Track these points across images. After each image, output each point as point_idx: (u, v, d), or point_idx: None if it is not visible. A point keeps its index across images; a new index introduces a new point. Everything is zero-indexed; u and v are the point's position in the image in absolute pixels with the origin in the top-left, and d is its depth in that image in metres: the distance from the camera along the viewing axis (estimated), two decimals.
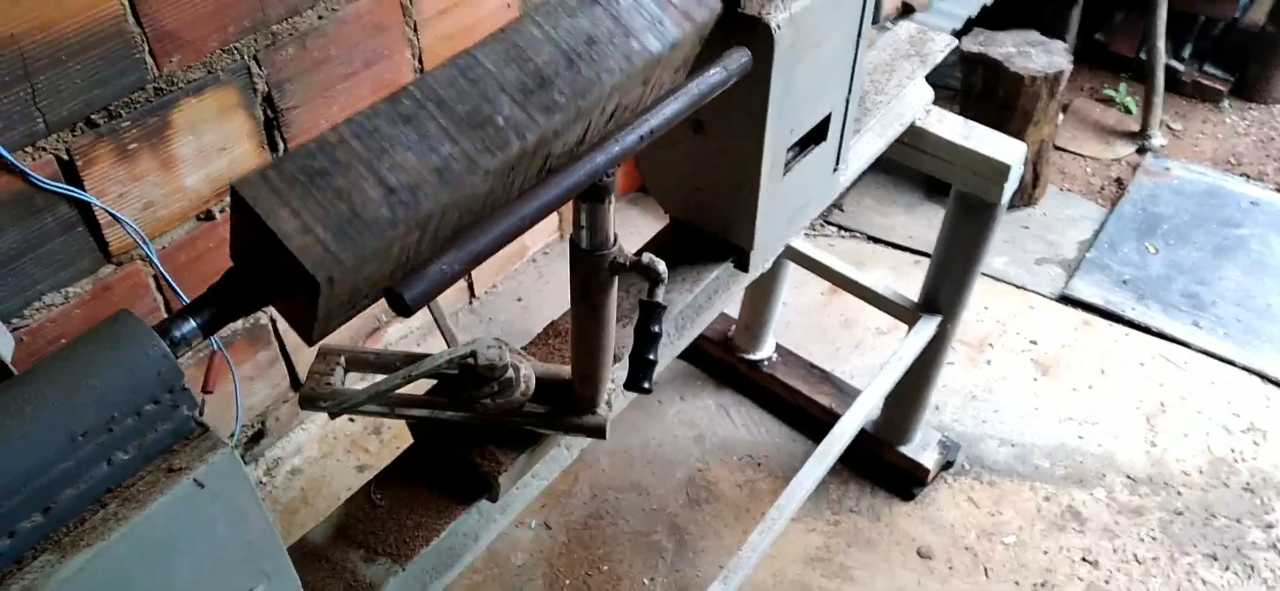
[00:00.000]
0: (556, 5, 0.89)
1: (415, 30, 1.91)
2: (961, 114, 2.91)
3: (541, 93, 0.83)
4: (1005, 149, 1.69)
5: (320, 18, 1.71)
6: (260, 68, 1.65)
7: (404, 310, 0.72)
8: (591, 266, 0.91)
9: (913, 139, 1.74)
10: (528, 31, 0.87)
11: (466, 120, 0.80)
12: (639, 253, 0.92)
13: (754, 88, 1.13)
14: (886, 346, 2.42)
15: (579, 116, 0.85)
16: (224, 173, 1.67)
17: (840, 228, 2.88)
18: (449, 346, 1.02)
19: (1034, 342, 2.52)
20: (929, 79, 1.71)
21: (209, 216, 1.69)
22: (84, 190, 1.47)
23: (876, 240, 2.84)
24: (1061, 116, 3.35)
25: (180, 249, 1.66)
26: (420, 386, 1.02)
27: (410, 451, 1.07)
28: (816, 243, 2.72)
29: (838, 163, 1.40)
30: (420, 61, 1.96)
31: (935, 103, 1.71)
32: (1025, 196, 3.02)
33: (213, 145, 1.63)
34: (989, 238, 1.79)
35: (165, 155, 1.56)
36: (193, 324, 0.69)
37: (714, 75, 0.95)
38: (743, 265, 1.30)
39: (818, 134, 1.32)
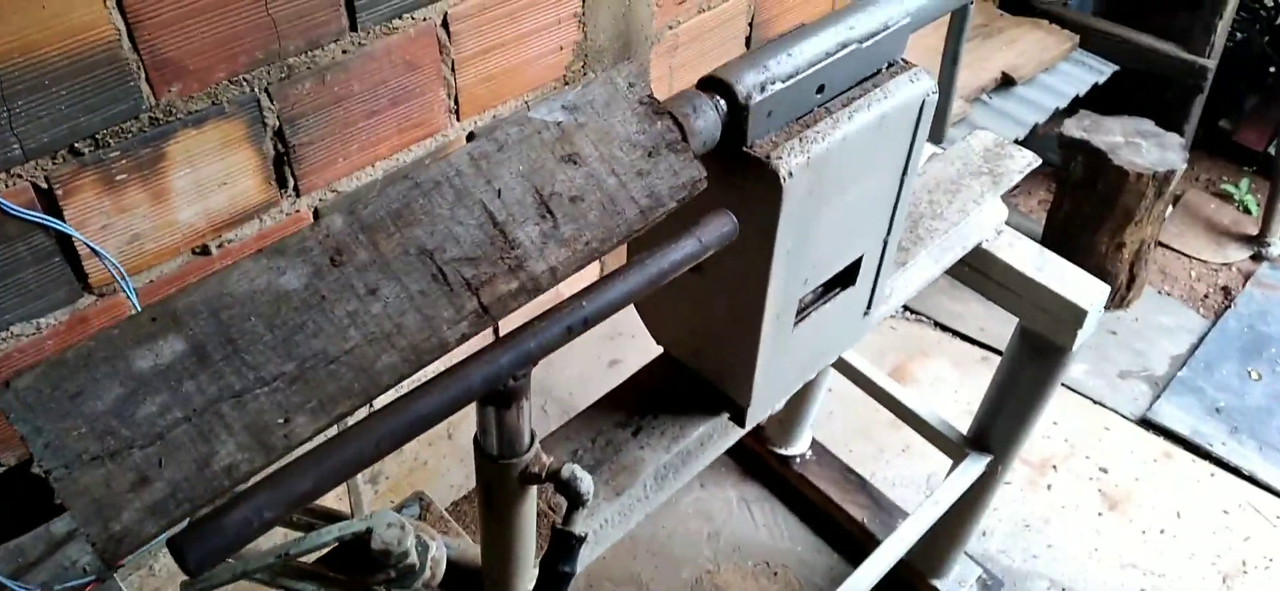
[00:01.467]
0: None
1: (453, 69, 1.76)
2: (1055, 203, 2.64)
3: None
4: (1084, 290, 1.45)
5: (345, 52, 1.57)
6: (272, 101, 1.52)
7: (187, 570, 0.55)
8: (497, 475, 0.73)
9: (978, 261, 1.51)
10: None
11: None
12: (560, 463, 0.74)
13: (758, 236, 0.93)
14: (938, 457, 2.18)
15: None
16: (224, 208, 1.55)
17: (906, 308, 2.63)
18: (351, 512, 0.85)
19: (1104, 471, 2.24)
20: (1026, 144, 1.46)
21: (205, 251, 1.56)
22: (62, 220, 1.35)
23: (944, 328, 2.58)
24: (1170, 209, 3.02)
25: (170, 283, 1.54)
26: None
27: None
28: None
29: (870, 306, 1.19)
30: (456, 103, 1.80)
31: (1027, 181, 1.45)
32: (1117, 297, 2.72)
33: (212, 179, 1.51)
34: (1055, 383, 1.55)
35: (157, 187, 1.44)
36: None
37: (682, 248, 0.76)
38: (738, 420, 1.10)
39: (845, 277, 1.11)
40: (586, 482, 0.72)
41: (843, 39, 0.94)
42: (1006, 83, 2.89)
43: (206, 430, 0.59)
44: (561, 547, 0.72)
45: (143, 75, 1.35)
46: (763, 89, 0.88)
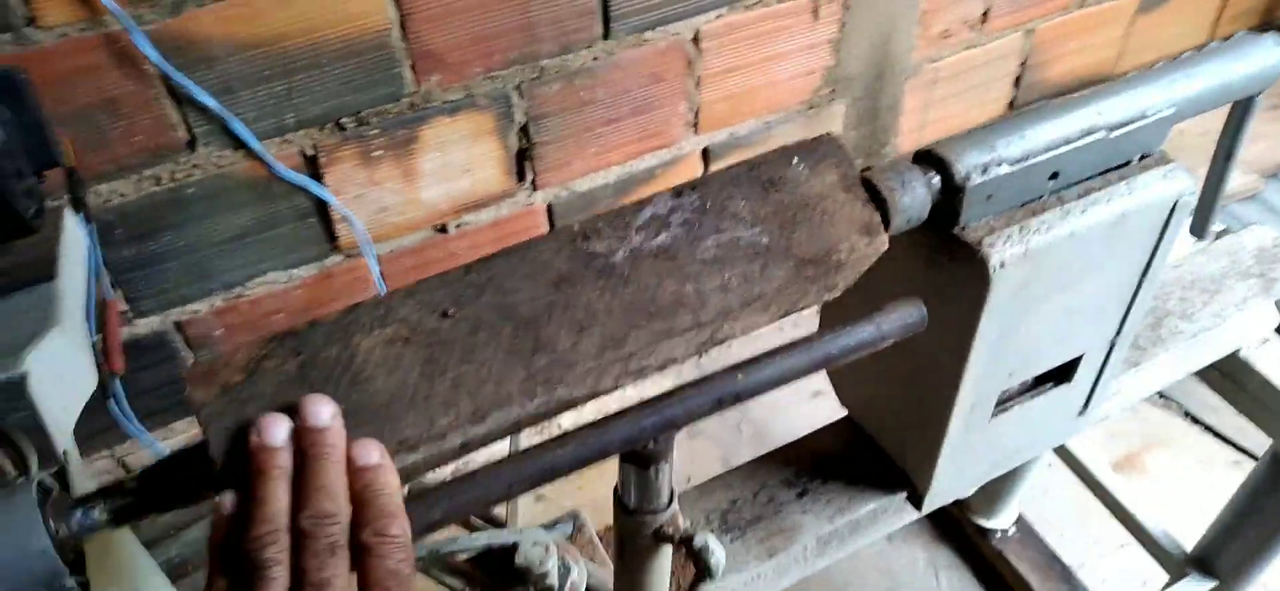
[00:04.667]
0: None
1: (697, 85, 1.74)
2: None
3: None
4: None
5: (595, 59, 1.59)
6: (521, 98, 1.57)
7: None
8: (631, 528, 0.70)
9: (1232, 368, 1.32)
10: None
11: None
12: (696, 529, 0.70)
13: (959, 322, 0.85)
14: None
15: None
16: (465, 192, 1.62)
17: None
18: (505, 522, 0.86)
19: None
20: None
21: (443, 230, 1.65)
22: (323, 185, 1.46)
23: (1194, 420, 2.28)
24: None
25: (408, 254, 1.63)
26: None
27: None
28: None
29: (1087, 407, 1.06)
30: (696, 118, 1.79)
31: None
32: None
33: (458, 165, 1.58)
34: None
35: (408, 166, 1.53)
36: (96, 514, 0.58)
37: (858, 333, 0.70)
38: (916, 502, 1.02)
39: (1059, 374, 0.99)
40: (718, 556, 0.68)
41: (1088, 125, 0.83)
42: None
43: None
44: None
45: (408, 63, 1.43)
46: (985, 170, 0.79)
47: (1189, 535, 1.58)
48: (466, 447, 0.65)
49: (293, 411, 0.55)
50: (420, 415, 0.61)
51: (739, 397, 0.65)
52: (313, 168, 1.45)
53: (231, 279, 1.50)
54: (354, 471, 0.54)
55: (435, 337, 0.64)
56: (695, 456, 2.13)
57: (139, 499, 0.59)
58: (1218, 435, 2.26)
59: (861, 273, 0.75)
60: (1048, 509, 2.01)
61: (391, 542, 0.51)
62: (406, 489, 0.61)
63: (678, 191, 0.71)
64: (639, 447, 0.62)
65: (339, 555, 0.50)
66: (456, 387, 0.62)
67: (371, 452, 0.54)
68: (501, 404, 0.62)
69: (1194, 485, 2.14)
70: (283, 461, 0.52)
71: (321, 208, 1.49)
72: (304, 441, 0.53)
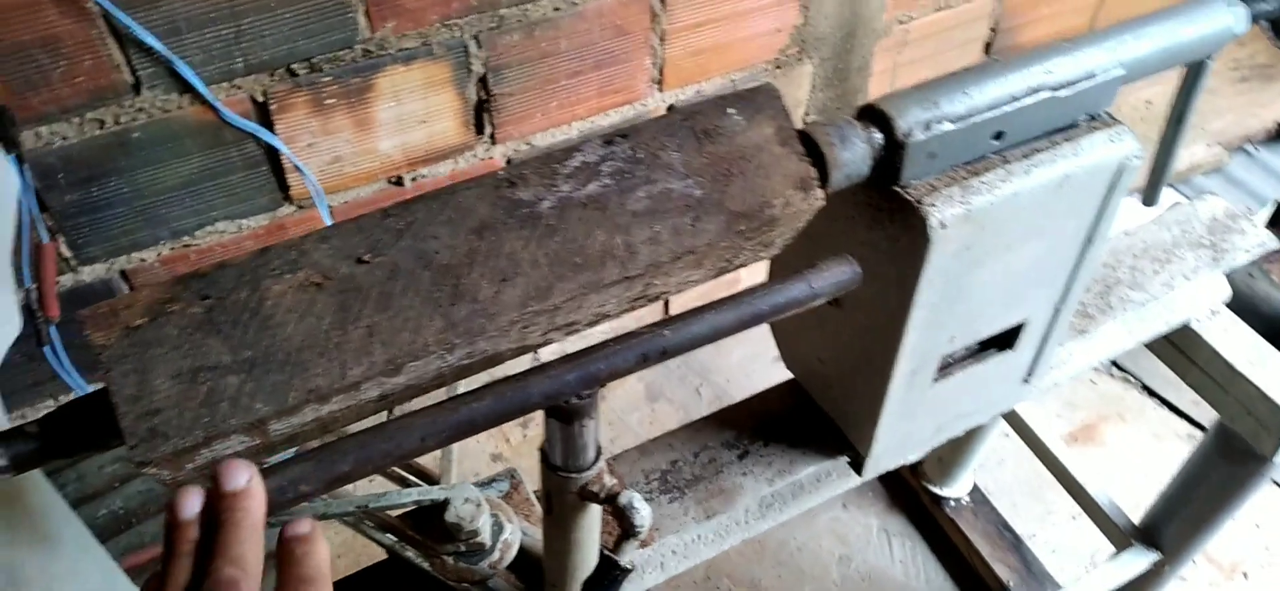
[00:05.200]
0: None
1: (662, 40, 1.71)
2: None
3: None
4: None
5: (556, 10, 1.56)
6: (480, 48, 1.53)
7: None
8: (557, 486, 0.69)
9: (1183, 341, 1.32)
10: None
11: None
12: (622, 487, 0.69)
13: (899, 283, 0.83)
14: None
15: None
16: (421, 144, 1.59)
17: (1114, 363, 2.37)
18: (438, 478, 0.84)
19: None
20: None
21: (398, 182, 1.61)
22: (273, 133, 1.43)
23: (1151, 393, 2.30)
24: None
25: (362, 206, 1.60)
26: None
27: (374, 570, 0.92)
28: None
29: (1032, 373, 1.05)
30: (661, 74, 1.76)
31: (1266, 248, 1.23)
32: None
33: (413, 115, 1.54)
34: (1247, 493, 1.33)
35: (362, 116, 1.50)
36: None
37: (788, 290, 0.68)
38: (857, 467, 1.01)
39: (1002, 339, 0.99)
40: (643, 514, 0.67)
41: (1035, 84, 0.81)
42: None
43: None
44: (604, 574, 0.68)
45: (362, 9, 1.39)
46: (927, 127, 0.78)
47: (1140, 508, 1.59)
48: (387, 399, 0.63)
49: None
50: (332, 364, 0.59)
51: (666, 353, 0.63)
52: (263, 115, 1.41)
53: (180, 227, 1.46)
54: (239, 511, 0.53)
55: (350, 284, 0.62)
56: (656, 419, 2.12)
57: (42, 445, 0.57)
58: (1174, 409, 2.28)
59: (798, 229, 0.74)
60: (1003, 479, 2.02)
61: None
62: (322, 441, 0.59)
63: (609, 139, 0.69)
64: (562, 403, 0.61)
65: None
66: (371, 336, 0.60)
67: (238, 476, 0.53)
68: (418, 354, 0.60)
69: (1148, 458, 2.16)
70: (191, 535, 0.51)
71: (273, 156, 1.46)
72: (218, 506, 0.52)
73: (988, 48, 2.18)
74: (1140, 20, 0.86)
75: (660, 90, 1.80)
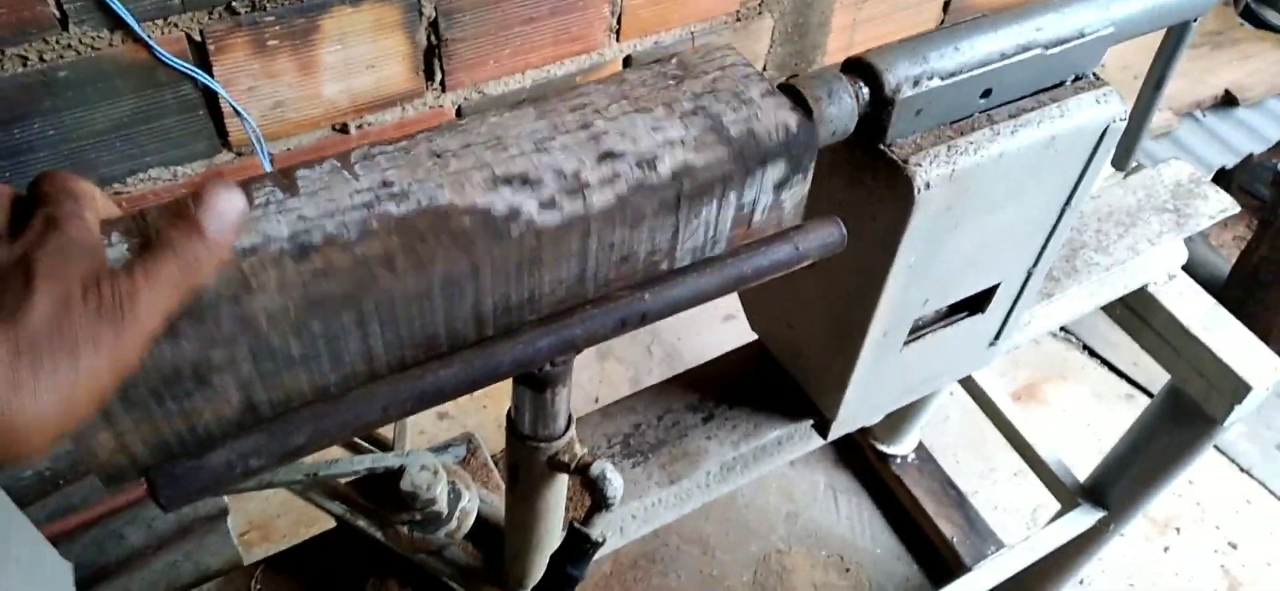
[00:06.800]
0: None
1: None
2: (1252, 243, 2.30)
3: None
4: (1255, 363, 1.23)
5: None
6: None
7: (160, 505, 0.49)
8: (525, 455, 0.64)
9: (1138, 303, 1.31)
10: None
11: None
12: (593, 457, 0.64)
13: (878, 243, 0.79)
14: None
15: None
16: (368, 90, 1.50)
17: None
18: (392, 444, 0.79)
19: (1233, 546, 1.98)
20: (1237, 183, 1.24)
21: (344, 130, 1.53)
22: (211, 75, 1.33)
23: (1092, 353, 2.33)
24: None
25: (305, 154, 1.51)
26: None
27: (323, 538, 0.86)
28: None
29: (999, 337, 1.03)
30: (618, 23, 1.69)
31: (1228, 212, 1.23)
32: None
33: (361, 60, 1.46)
34: (1196, 454, 1.34)
35: (306, 59, 1.40)
36: None
37: (773, 253, 0.63)
38: (821, 430, 0.98)
39: (974, 302, 0.96)
40: (615, 485, 0.62)
41: (1025, 41, 0.77)
42: (1228, 102, 2.53)
43: None
44: (574, 547, 0.63)
45: None
46: (915, 83, 0.73)
47: (1080, 465, 1.60)
48: None
49: None
50: None
51: (645, 318, 0.58)
52: (200, 55, 1.31)
53: (110, 174, 1.36)
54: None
55: None
56: (605, 378, 2.08)
57: None
58: (1114, 369, 2.31)
59: None
60: (947, 438, 2.02)
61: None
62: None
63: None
64: (534, 370, 0.55)
65: None
66: None
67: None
68: None
69: (1088, 417, 2.19)
70: None
71: (211, 99, 1.36)
72: None
73: (947, 6, 2.15)
74: None
75: (618, 40, 1.73)
